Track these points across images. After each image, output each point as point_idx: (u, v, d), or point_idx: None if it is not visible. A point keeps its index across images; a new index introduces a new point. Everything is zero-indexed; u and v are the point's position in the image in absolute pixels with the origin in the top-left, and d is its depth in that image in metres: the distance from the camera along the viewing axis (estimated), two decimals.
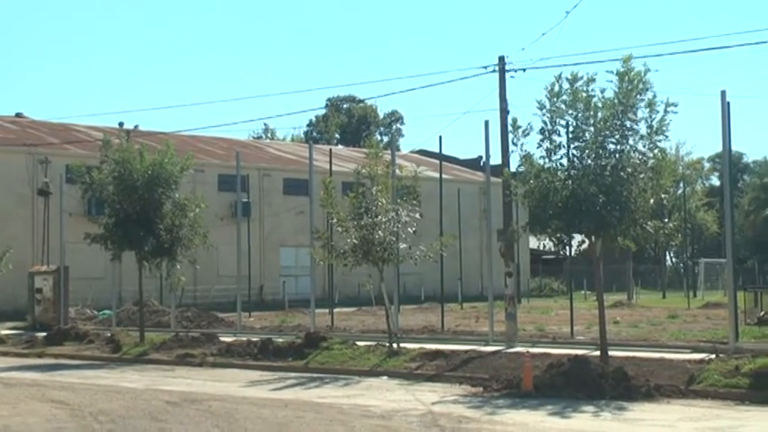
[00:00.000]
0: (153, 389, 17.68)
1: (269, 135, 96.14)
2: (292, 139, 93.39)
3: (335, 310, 32.49)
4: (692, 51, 21.77)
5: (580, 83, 17.18)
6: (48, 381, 19.40)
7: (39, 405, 15.51)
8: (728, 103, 19.90)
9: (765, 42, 20.54)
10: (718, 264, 55.88)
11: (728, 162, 20.86)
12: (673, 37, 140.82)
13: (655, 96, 17.03)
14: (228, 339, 24.72)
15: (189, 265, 27.24)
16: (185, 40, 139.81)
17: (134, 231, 25.24)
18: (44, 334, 28.53)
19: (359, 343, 22.29)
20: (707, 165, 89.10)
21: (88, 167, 26.22)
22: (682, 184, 60.92)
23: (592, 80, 17.24)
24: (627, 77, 16.95)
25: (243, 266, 31.33)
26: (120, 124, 52.67)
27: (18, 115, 59.62)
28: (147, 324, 28.41)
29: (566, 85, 17.26)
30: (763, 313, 17.88)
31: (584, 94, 17.18)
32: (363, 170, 21.97)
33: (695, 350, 19.40)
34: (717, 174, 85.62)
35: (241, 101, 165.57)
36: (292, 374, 19.80)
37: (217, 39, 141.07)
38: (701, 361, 17.18)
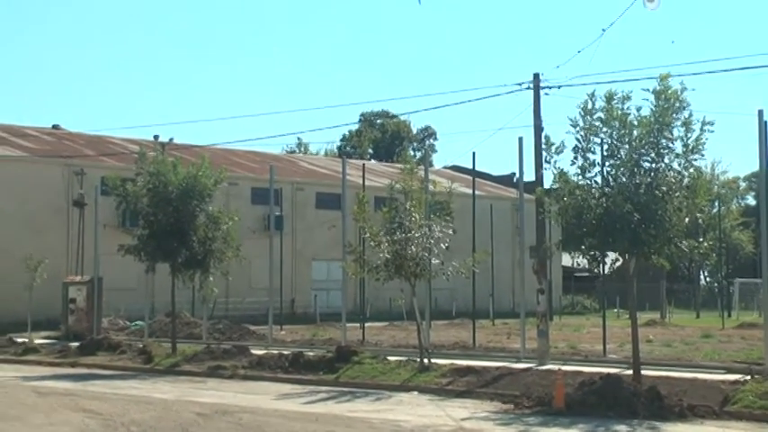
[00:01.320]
0: (184, 400, 17.76)
1: (302, 149, 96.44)
2: (326, 154, 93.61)
3: (367, 324, 32.48)
4: (729, 70, 21.59)
5: (615, 100, 17.14)
6: (80, 390, 19.53)
7: (72, 414, 15.62)
8: (766, 123, 19.76)
9: None
10: (753, 284, 55.27)
11: (765, 181, 20.67)
12: (710, 55, 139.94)
13: (691, 115, 16.96)
14: (260, 352, 24.78)
15: (221, 277, 27.37)
16: (221, 55, 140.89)
17: (168, 243, 25.41)
18: (77, 344, 28.74)
19: (390, 358, 22.28)
20: (743, 184, 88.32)
21: (123, 179, 26.44)
22: (717, 203, 60.37)
23: (627, 98, 17.19)
24: (663, 96, 16.88)
25: (275, 279, 31.40)
26: (156, 137, 53.11)
27: (55, 127, 60.23)
28: (178, 335, 28.53)
29: (600, 103, 17.23)
30: None
31: (620, 112, 17.12)
32: (397, 185, 21.99)
33: (729, 371, 19.20)
34: (753, 193, 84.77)
35: (275, 115, 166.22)
36: (323, 388, 19.80)
37: (252, 53, 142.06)
38: (736, 382, 17.00)
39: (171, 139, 53.92)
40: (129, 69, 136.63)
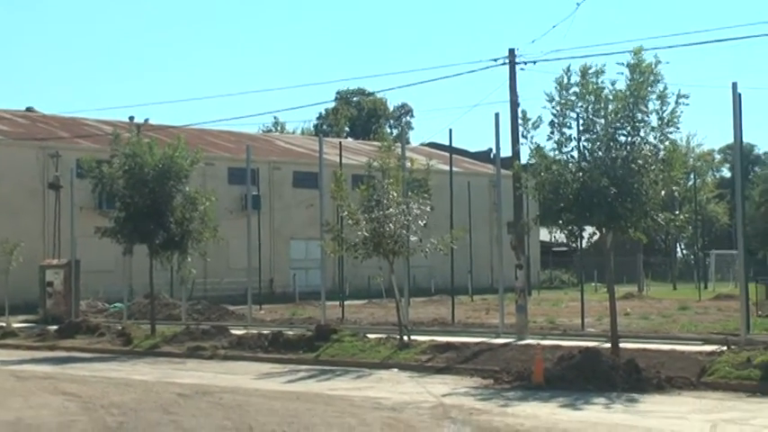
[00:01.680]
0: (164, 381, 17.73)
1: (279, 128, 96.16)
2: (302, 133, 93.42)
3: (346, 302, 32.53)
4: (703, 43, 21.79)
5: (590, 75, 17.14)
6: (59, 373, 19.47)
7: (51, 398, 15.57)
8: (740, 95, 19.85)
9: None
10: (729, 255, 55.73)
11: (740, 153, 20.82)
12: (684, 28, 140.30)
13: (666, 88, 17.00)
14: (239, 332, 24.77)
15: (199, 258, 27.30)
16: (196, 35, 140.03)
17: (145, 225, 25.31)
18: (55, 327, 28.63)
19: (369, 335, 22.33)
20: (718, 156, 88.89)
21: (98, 161, 26.28)
22: (693, 176, 60.72)
23: (602, 72, 17.21)
24: (638, 69, 16.90)
25: (253, 259, 31.36)
26: (131, 118, 52.83)
27: (29, 109, 59.77)
28: (157, 317, 28.47)
29: (576, 78, 17.24)
30: None
31: (595, 87, 17.14)
32: (375, 163, 21.97)
33: (706, 342, 19.36)
34: (728, 165, 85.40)
35: (251, 94, 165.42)
36: (303, 367, 19.84)
37: (227, 32, 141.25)
38: (713, 353, 17.15)
39: (146, 120, 53.63)
40: (103, 50, 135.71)
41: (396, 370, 18.85)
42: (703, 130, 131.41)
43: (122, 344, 25.07)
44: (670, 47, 21.17)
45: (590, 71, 17.16)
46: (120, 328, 27.38)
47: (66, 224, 37.86)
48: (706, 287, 50.34)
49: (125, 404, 14.66)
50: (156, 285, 28.40)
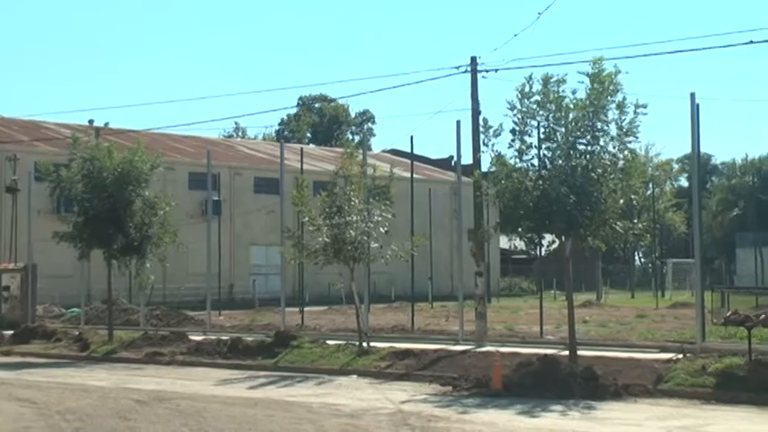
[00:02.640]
0: (121, 387, 17.60)
1: (240, 134, 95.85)
2: (263, 138, 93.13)
3: (306, 309, 32.46)
4: (661, 54, 22.01)
5: (552, 84, 17.27)
6: (14, 379, 19.25)
7: (5, 404, 15.39)
8: (698, 105, 20.05)
9: (733, 45, 20.75)
10: (686, 264, 56.32)
11: (697, 164, 21.03)
12: (643, 39, 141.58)
13: (625, 98, 17.17)
14: (198, 338, 24.64)
15: (158, 263, 27.13)
16: (157, 38, 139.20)
17: (103, 229, 25.14)
18: (11, 332, 28.26)
19: (329, 342, 22.29)
20: (676, 166, 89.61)
21: (56, 165, 26.08)
22: (651, 185, 61.26)
23: (563, 81, 17.33)
24: (598, 79, 17.05)
25: (213, 265, 31.22)
26: (91, 122, 52.45)
27: None
28: (115, 322, 28.23)
29: (537, 86, 17.35)
30: (729, 313, 18.01)
31: (556, 95, 17.26)
32: (340, 171, 21.99)
33: (663, 350, 19.52)
34: (686, 175, 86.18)
35: (212, 99, 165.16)
36: (262, 373, 19.77)
37: (188, 36, 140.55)
38: (669, 360, 17.30)
39: (106, 124, 53.23)
40: (64, 54, 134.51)
41: (355, 376, 18.84)
42: (662, 139, 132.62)
43: (79, 349, 24.84)
44: (629, 57, 21.39)
45: (551, 80, 17.29)
46: (77, 333, 27.12)
47: (23, 228, 37.46)
48: (663, 295, 50.83)
49: (81, 410, 14.53)
50: (115, 291, 28.18)
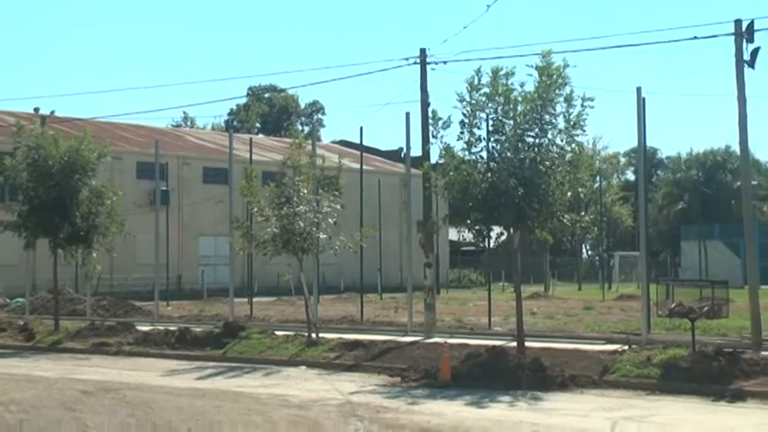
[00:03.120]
0: (67, 378, 17.43)
1: (189, 123, 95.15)
2: (213, 128, 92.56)
3: (255, 299, 32.35)
4: (608, 48, 22.12)
5: (501, 76, 17.35)
6: None
7: None
8: (644, 99, 20.29)
9: (678, 41, 20.99)
10: (632, 257, 56.94)
11: (643, 157, 21.29)
12: (591, 33, 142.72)
13: (572, 91, 17.32)
14: (145, 328, 24.47)
15: (105, 253, 26.89)
16: (106, 26, 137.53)
17: (49, 218, 24.87)
18: None
19: (278, 333, 22.26)
20: (623, 159, 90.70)
21: (0, 153, 25.71)
22: (598, 178, 61.81)
23: (512, 74, 17.43)
24: (546, 72, 17.17)
25: (161, 255, 31.01)
26: (36, 110, 51.71)
27: None
28: (61, 312, 27.90)
29: (486, 79, 17.42)
30: (674, 305, 18.26)
31: (504, 88, 17.35)
32: (288, 161, 21.92)
33: (609, 341, 19.76)
34: (632, 168, 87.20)
35: (161, 88, 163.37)
36: (210, 364, 19.69)
37: (137, 25, 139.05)
38: (615, 352, 17.52)
39: (52, 112, 52.52)
40: (7, 41, 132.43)
41: (304, 367, 18.84)
42: (609, 133, 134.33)
43: (24, 339, 24.54)
44: (576, 51, 21.59)
45: (500, 73, 17.38)
46: (21, 323, 26.76)
47: None
48: (610, 287, 51.36)
49: (26, 401, 14.37)
50: (61, 280, 27.86)
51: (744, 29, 19.13)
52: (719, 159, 78.91)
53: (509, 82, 17.38)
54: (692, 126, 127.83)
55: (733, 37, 19.23)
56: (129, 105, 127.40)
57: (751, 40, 19.11)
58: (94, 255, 26.02)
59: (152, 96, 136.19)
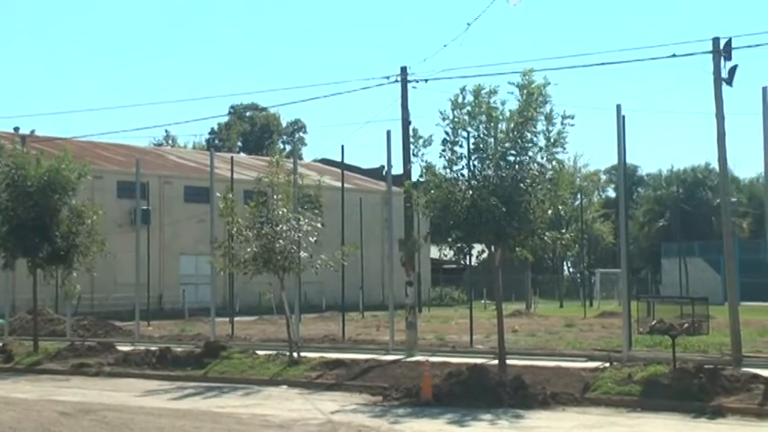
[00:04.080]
0: (46, 399, 17.29)
1: (170, 142, 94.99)
2: (194, 147, 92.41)
3: (236, 319, 32.25)
4: (588, 66, 22.24)
5: (483, 95, 17.41)
6: None
7: None
8: (624, 117, 20.44)
9: (658, 58, 21.14)
10: (613, 274, 57.11)
11: (623, 174, 21.41)
12: (571, 51, 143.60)
13: (553, 110, 17.39)
14: (126, 348, 24.34)
15: (86, 272, 26.75)
16: (86, 44, 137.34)
17: (29, 238, 24.75)
18: None
19: (259, 352, 22.18)
20: (603, 177, 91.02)
21: None
22: (579, 196, 62.08)
23: (494, 92, 17.50)
24: (527, 90, 17.24)
25: (142, 274, 30.87)
26: (16, 129, 51.48)
27: None
28: (41, 333, 27.75)
29: (470, 97, 17.47)
30: (654, 322, 18.32)
31: (486, 106, 17.41)
32: (265, 179, 21.89)
33: (590, 359, 19.79)
34: (613, 185, 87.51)
35: (142, 107, 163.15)
36: (191, 384, 19.59)
37: (117, 43, 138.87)
38: (596, 369, 17.53)
39: (32, 132, 52.38)
40: None
41: (285, 387, 18.77)
42: (590, 150, 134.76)
43: (3, 361, 24.33)
44: (557, 69, 21.64)
45: (483, 91, 17.44)
46: (0, 344, 26.57)
47: None
48: (591, 305, 51.46)
49: (4, 423, 14.23)
50: (41, 301, 27.70)
51: (722, 47, 19.30)
52: (700, 176, 79.30)
53: (491, 100, 17.44)
54: (673, 143, 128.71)
55: (711, 55, 19.40)
56: (109, 124, 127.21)
57: (729, 58, 19.29)
58: (74, 274, 25.90)
59: (133, 115, 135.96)
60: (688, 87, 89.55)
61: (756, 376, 15.87)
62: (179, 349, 23.21)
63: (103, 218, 26.30)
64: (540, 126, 17.46)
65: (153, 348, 23.32)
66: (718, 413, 14.38)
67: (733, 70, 19.27)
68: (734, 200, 62.24)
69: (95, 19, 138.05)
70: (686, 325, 16.74)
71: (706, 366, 16.17)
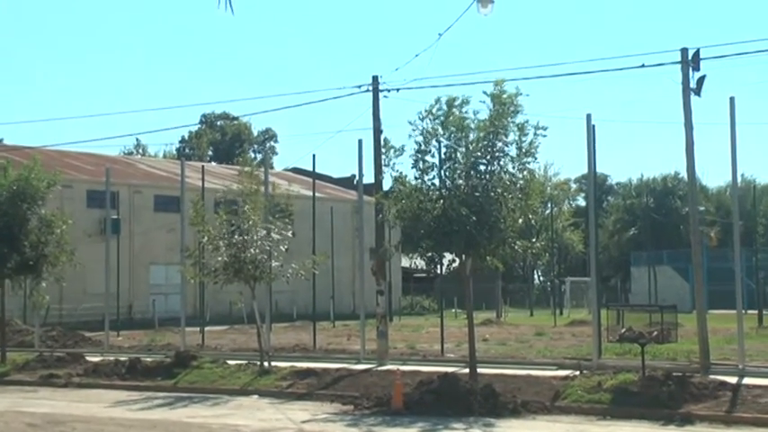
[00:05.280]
0: (14, 411, 17.14)
1: (141, 151, 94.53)
2: (165, 156, 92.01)
3: (207, 328, 32.12)
4: (559, 75, 22.35)
5: (456, 105, 17.48)
6: None
7: None
8: (594, 126, 20.56)
9: (627, 69, 21.28)
10: (583, 282, 57.33)
11: (593, 183, 21.58)
12: (542, 61, 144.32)
13: (527, 121, 17.46)
14: (95, 359, 24.19)
15: (55, 282, 26.57)
16: (55, 52, 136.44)
17: None
18: None
19: (230, 362, 22.11)
20: (574, 185, 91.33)
21: None
22: (549, 205, 62.33)
23: (466, 102, 17.57)
24: (499, 100, 17.32)
25: (111, 284, 30.69)
26: None
27: None
28: (9, 344, 27.49)
29: (443, 107, 17.53)
30: (624, 330, 18.46)
31: (458, 115, 17.47)
32: (236, 187, 21.85)
33: (561, 367, 19.88)
34: (583, 194, 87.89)
35: (113, 116, 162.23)
36: (161, 394, 19.49)
37: (88, 52, 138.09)
38: (566, 377, 17.62)
39: (0, 140, 52.02)
40: None
41: (256, 396, 18.72)
42: (560, 159, 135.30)
43: None
44: (527, 78, 21.66)
45: (455, 102, 17.50)
46: None
47: None
48: (561, 313, 51.62)
49: None
50: (8, 311, 27.46)
51: (690, 57, 19.48)
52: (669, 185, 79.86)
53: (463, 110, 17.51)
54: (642, 152, 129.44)
55: (680, 65, 19.59)
56: (79, 133, 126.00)
57: (697, 69, 19.48)
58: (43, 285, 25.71)
59: (103, 124, 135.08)
60: (657, 97, 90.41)
61: (724, 383, 16.04)
62: (149, 359, 23.09)
63: (73, 227, 26.13)
64: (513, 136, 17.54)
65: (123, 359, 23.19)
66: (686, 420, 14.50)
67: (701, 80, 19.47)
68: (702, 209, 62.75)
69: (64, 27, 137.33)
70: (655, 333, 16.89)
71: (675, 374, 16.31)
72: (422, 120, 17.68)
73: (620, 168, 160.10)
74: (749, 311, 32.45)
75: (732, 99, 19.03)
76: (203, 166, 44.00)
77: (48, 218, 25.30)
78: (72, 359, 24.02)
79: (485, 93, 17.44)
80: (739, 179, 23.92)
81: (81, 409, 17.38)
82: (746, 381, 16.60)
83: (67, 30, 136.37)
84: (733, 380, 16.53)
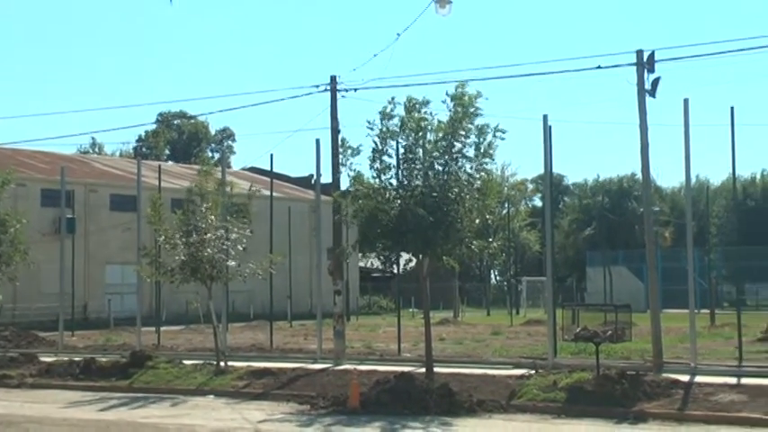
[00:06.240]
0: None
1: (97, 150, 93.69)
2: (121, 155, 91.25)
3: (162, 328, 31.86)
4: (516, 76, 22.51)
5: (414, 106, 17.53)
6: None
7: None
8: (550, 127, 20.71)
9: (584, 70, 21.50)
10: (539, 282, 57.63)
11: (550, 184, 21.69)
12: (500, 62, 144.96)
13: (487, 125, 17.54)
14: (49, 359, 23.95)
15: (8, 282, 26.30)
16: (6, 50, 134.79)
17: None
18: None
19: (186, 362, 22.02)
20: (530, 186, 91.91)
21: None
22: (506, 205, 62.61)
23: (425, 103, 17.64)
24: (460, 101, 17.38)
25: (66, 284, 30.41)
26: None
27: None
28: None
29: (400, 108, 17.59)
30: (579, 330, 18.61)
31: (417, 116, 17.53)
32: (195, 187, 21.76)
33: (516, 366, 20.00)
34: (539, 195, 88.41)
35: (68, 114, 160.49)
36: (116, 395, 19.36)
37: (42, 48, 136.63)
38: (522, 376, 17.74)
39: None
40: None
41: (212, 397, 18.66)
42: (517, 160, 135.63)
43: None
44: (486, 79, 21.79)
45: (414, 103, 17.56)
46: None
47: None
48: (518, 313, 51.91)
49: None
50: None
51: (645, 59, 19.70)
52: (625, 186, 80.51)
53: (422, 111, 17.57)
54: (599, 153, 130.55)
55: (635, 67, 19.79)
56: (33, 132, 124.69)
57: (652, 70, 19.70)
58: None
59: (58, 122, 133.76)
60: (613, 98, 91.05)
61: (676, 382, 16.26)
62: (104, 359, 22.92)
63: (27, 226, 25.92)
64: (473, 138, 17.61)
65: (77, 359, 23.00)
66: (639, 418, 14.67)
67: (656, 82, 19.69)
68: (657, 209, 63.45)
69: (16, 23, 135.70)
70: (610, 332, 17.05)
71: (628, 373, 16.49)
72: (381, 120, 17.72)
73: (577, 169, 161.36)
74: (702, 311, 32.88)
75: (686, 101, 19.26)
76: (160, 166, 43.71)
77: (1, 217, 25.06)
78: (25, 359, 23.79)
79: (447, 94, 17.53)
80: (693, 180, 24.19)
81: (34, 409, 17.22)
82: (698, 379, 16.83)
83: (20, 27, 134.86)
84: (685, 378, 16.76)
